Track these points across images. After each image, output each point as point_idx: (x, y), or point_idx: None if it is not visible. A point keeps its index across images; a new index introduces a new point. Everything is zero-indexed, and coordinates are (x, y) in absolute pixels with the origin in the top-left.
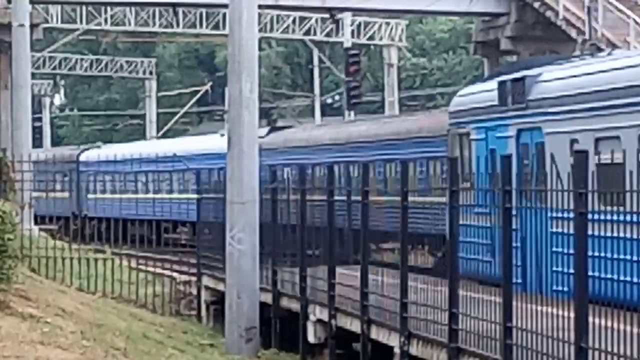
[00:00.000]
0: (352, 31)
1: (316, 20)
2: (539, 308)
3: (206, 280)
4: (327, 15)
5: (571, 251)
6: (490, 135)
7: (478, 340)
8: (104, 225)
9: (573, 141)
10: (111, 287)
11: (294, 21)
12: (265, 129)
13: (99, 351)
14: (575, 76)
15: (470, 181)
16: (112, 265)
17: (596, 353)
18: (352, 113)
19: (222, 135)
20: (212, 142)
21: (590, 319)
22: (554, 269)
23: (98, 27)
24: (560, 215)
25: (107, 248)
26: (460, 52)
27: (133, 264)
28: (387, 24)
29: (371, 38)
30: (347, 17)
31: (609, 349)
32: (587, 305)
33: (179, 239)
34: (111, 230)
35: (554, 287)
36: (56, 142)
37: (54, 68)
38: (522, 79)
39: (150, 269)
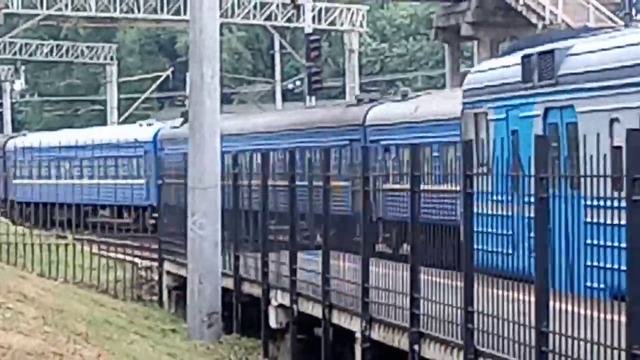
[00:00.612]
0: (313, 16)
1: (277, 6)
2: (500, 292)
3: (168, 266)
4: (288, 1)
5: (609, 243)
6: (511, 115)
7: (439, 325)
8: (31, 208)
9: (613, 120)
10: (72, 273)
11: (255, 6)
12: (180, 120)
13: (60, 337)
14: (618, 47)
15: (488, 166)
16: (73, 250)
17: (557, 337)
18: (313, 98)
19: (141, 125)
20: (131, 131)
21: (551, 304)
22: (588, 263)
23: (59, 13)
24: (599, 203)
25: (69, 234)
26: (421, 38)
27: (94, 249)
28: (348, 9)
29: (332, 23)
30: (308, 3)
31: (569, 333)
32: (548, 290)
33: (99, 222)
34: (32, 213)
35: (587, 284)
36: (16, 128)
37: (15, 54)
38: (551, 52)
39: (112, 254)
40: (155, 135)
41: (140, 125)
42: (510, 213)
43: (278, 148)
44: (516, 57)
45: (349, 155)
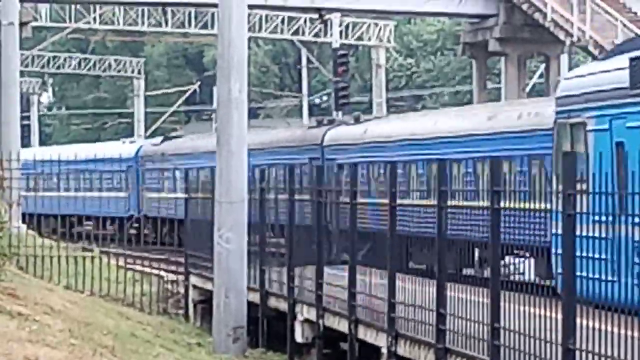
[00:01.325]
0: (341, 31)
1: (305, 21)
2: (526, 309)
3: (194, 280)
4: (315, 16)
5: None
6: (616, 125)
7: (465, 341)
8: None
9: None
10: (99, 286)
11: (282, 21)
12: (160, 138)
13: (86, 349)
14: None
15: (586, 182)
16: (99, 263)
17: (583, 354)
18: (340, 113)
19: (124, 142)
20: (116, 148)
21: (578, 320)
22: None
23: (87, 26)
24: None
25: (95, 247)
26: (448, 53)
27: (121, 262)
28: (376, 24)
29: (359, 39)
30: (335, 18)
31: (596, 350)
32: (575, 305)
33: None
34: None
35: None
36: (44, 140)
37: (43, 66)
38: None
39: (138, 267)
40: (137, 152)
41: (124, 142)
42: (613, 235)
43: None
44: (622, 60)
45: (309, 172)
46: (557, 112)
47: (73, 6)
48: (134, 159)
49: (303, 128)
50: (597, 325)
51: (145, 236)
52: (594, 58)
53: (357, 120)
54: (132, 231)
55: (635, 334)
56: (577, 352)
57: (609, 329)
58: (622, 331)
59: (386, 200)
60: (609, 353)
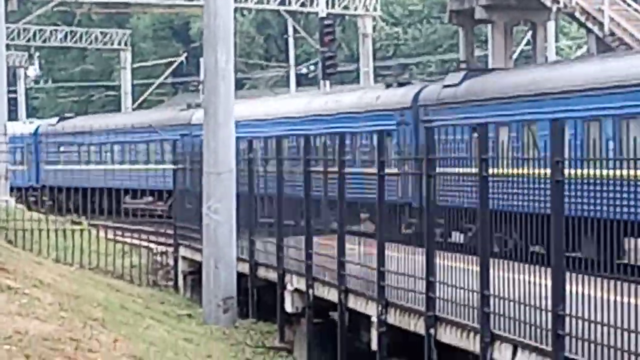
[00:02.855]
0: (327, 1)
1: None
2: (516, 276)
3: (183, 251)
4: None
5: None
6: None
7: (455, 308)
8: None
9: None
10: (88, 259)
11: None
12: (56, 119)
13: (76, 322)
14: None
15: None
16: (88, 236)
17: (573, 320)
18: (328, 83)
19: (24, 122)
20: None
21: (567, 287)
22: None
23: None
24: None
25: (84, 219)
26: (435, 22)
27: (109, 235)
28: None
29: (346, 8)
30: None
31: (586, 316)
32: (564, 274)
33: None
34: None
35: None
36: (31, 113)
37: (29, 40)
38: None
39: (127, 239)
40: (35, 131)
41: (24, 122)
42: None
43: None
44: None
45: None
46: None
47: None
48: (33, 137)
49: (174, 110)
50: (586, 292)
51: (43, 203)
52: (581, 25)
53: None
54: (32, 198)
55: (625, 299)
56: (567, 318)
57: (598, 294)
58: (611, 297)
59: (373, 170)
60: (599, 319)
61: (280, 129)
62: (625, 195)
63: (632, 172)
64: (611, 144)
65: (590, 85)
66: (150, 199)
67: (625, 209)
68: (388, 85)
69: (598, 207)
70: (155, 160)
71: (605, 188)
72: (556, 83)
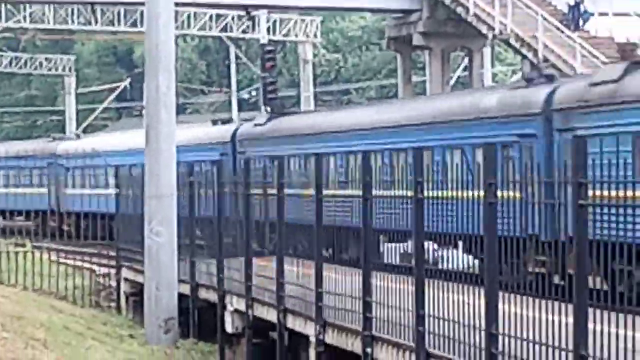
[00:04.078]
0: (268, 28)
1: (232, 18)
2: (450, 296)
3: (125, 273)
4: (243, 13)
5: None
6: None
7: (391, 328)
8: None
9: None
10: (31, 280)
11: (210, 18)
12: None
13: (19, 343)
14: None
15: None
16: (32, 258)
17: (506, 339)
18: (268, 108)
19: None
20: None
21: (500, 306)
22: None
23: (17, 25)
24: None
25: (28, 242)
26: (373, 48)
27: (53, 257)
28: (302, 20)
29: (286, 35)
30: (262, 14)
31: (518, 335)
32: (497, 293)
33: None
34: None
35: None
36: None
37: None
38: None
39: (70, 261)
40: None
41: None
42: None
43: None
44: None
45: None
46: None
47: (3, 5)
48: None
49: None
50: (518, 311)
51: None
52: (516, 51)
53: (77, 137)
54: None
55: (556, 318)
56: (500, 337)
57: (530, 314)
58: (543, 315)
59: (311, 192)
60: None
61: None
62: None
63: None
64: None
65: (346, 128)
66: (21, 217)
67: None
68: (214, 122)
69: None
70: (24, 184)
71: None
72: (327, 126)
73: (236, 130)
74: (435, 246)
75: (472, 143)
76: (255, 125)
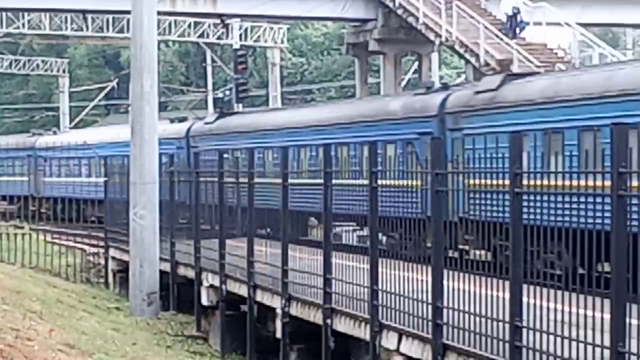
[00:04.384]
0: (240, 34)
1: (209, 25)
2: (402, 273)
3: (113, 252)
4: (218, 21)
5: None
6: None
7: (349, 302)
8: None
9: None
10: (29, 259)
11: (189, 25)
12: None
13: (17, 314)
14: None
15: None
16: (29, 239)
17: (450, 311)
18: (241, 106)
19: None
20: None
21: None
22: None
23: (17, 31)
24: None
25: (26, 224)
26: (334, 53)
27: (48, 238)
28: (271, 28)
29: (257, 40)
30: (235, 22)
31: (462, 308)
32: (442, 269)
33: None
34: None
35: None
36: None
37: None
38: None
39: (64, 242)
40: None
41: None
42: None
43: None
44: None
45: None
46: None
47: (4, 13)
48: None
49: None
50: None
51: None
52: (460, 56)
53: (55, 133)
54: None
55: (500, 294)
56: (445, 310)
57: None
58: (486, 291)
59: (279, 180)
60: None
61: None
62: None
63: None
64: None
65: (277, 127)
66: (4, 202)
67: None
68: (172, 121)
69: None
70: (7, 173)
71: None
72: (262, 125)
73: (190, 127)
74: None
75: (383, 140)
76: (205, 123)
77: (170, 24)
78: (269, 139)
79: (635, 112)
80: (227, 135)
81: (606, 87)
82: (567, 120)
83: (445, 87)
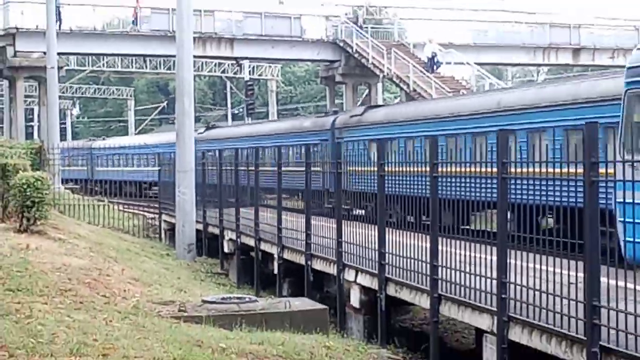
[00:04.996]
0: (249, 71)
1: (228, 64)
2: (359, 230)
3: (164, 217)
4: (234, 62)
5: None
6: None
7: (322, 249)
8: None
9: None
10: (107, 221)
11: (215, 64)
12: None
13: (99, 259)
14: None
15: None
16: (108, 208)
17: (391, 256)
18: (250, 118)
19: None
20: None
21: (387, 234)
22: None
23: (98, 68)
24: None
25: (105, 198)
26: (312, 83)
27: (121, 207)
28: (270, 66)
29: (260, 75)
30: (246, 63)
31: (397, 253)
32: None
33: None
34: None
35: None
36: (74, 137)
37: (73, 92)
38: None
39: (131, 210)
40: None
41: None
42: None
43: None
44: None
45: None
46: (628, 83)
47: (90, 57)
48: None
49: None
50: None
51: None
52: (396, 85)
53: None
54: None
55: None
56: (387, 255)
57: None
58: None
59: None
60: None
61: None
62: None
63: None
64: None
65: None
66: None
67: None
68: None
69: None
70: (75, 165)
71: None
72: (237, 133)
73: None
74: None
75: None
76: (199, 133)
77: (202, 64)
78: (243, 142)
79: (434, 130)
80: (215, 141)
81: (417, 114)
82: (399, 134)
83: (335, 112)
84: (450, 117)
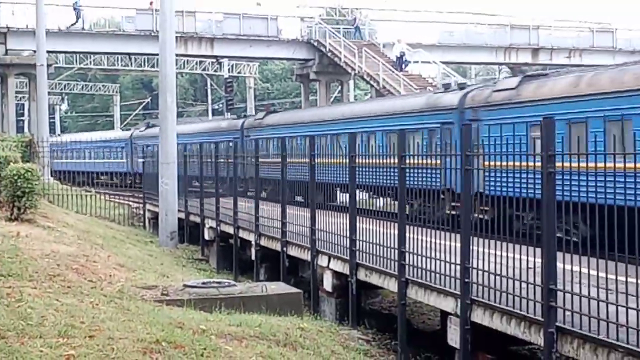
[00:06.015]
0: (229, 68)
1: (209, 62)
2: (331, 219)
3: (148, 206)
4: (214, 60)
5: None
6: None
7: (297, 237)
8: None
9: None
10: (94, 210)
11: (196, 62)
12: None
13: (87, 246)
14: None
15: None
16: (95, 198)
17: (362, 243)
18: (229, 114)
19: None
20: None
21: (359, 223)
22: None
23: (85, 66)
24: None
25: (92, 189)
26: (288, 80)
27: (106, 197)
28: (248, 64)
29: (239, 72)
30: (226, 61)
31: (366, 239)
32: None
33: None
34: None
35: None
36: (63, 130)
37: (61, 89)
38: None
39: (117, 200)
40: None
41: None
42: None
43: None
44: None
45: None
46: None
47: (78, 55)
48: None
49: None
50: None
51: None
52: (367, 82)
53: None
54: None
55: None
56: (358, 242)
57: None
58: (390, 230)
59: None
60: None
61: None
62: None
63: None
64: None
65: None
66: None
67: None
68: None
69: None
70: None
71: None
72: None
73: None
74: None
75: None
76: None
77: (184, 62)
78: (204, 137)
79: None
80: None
81: (301, 119)
82: (288, 133)
83: (245, 116)
84: (321, 122)
